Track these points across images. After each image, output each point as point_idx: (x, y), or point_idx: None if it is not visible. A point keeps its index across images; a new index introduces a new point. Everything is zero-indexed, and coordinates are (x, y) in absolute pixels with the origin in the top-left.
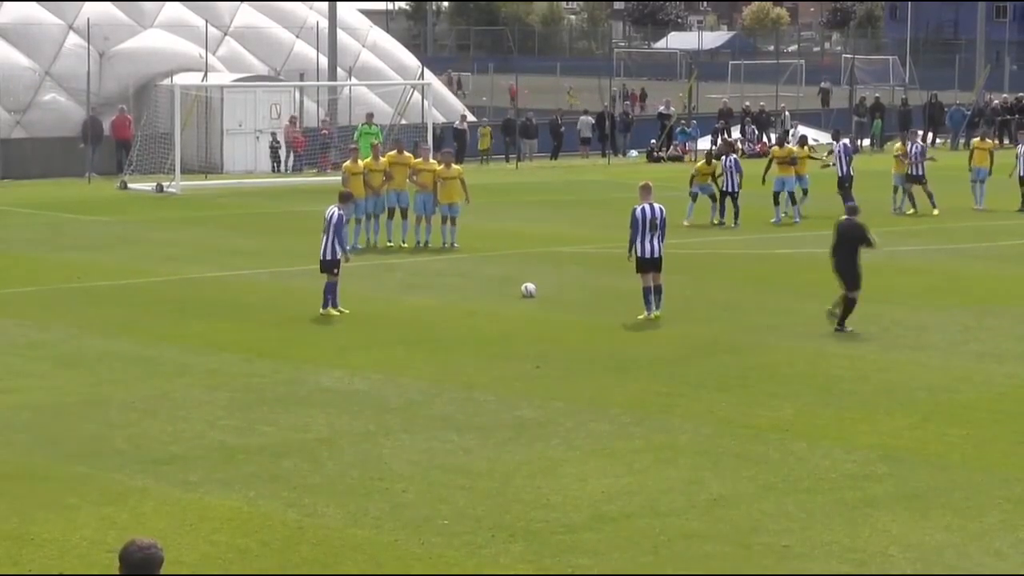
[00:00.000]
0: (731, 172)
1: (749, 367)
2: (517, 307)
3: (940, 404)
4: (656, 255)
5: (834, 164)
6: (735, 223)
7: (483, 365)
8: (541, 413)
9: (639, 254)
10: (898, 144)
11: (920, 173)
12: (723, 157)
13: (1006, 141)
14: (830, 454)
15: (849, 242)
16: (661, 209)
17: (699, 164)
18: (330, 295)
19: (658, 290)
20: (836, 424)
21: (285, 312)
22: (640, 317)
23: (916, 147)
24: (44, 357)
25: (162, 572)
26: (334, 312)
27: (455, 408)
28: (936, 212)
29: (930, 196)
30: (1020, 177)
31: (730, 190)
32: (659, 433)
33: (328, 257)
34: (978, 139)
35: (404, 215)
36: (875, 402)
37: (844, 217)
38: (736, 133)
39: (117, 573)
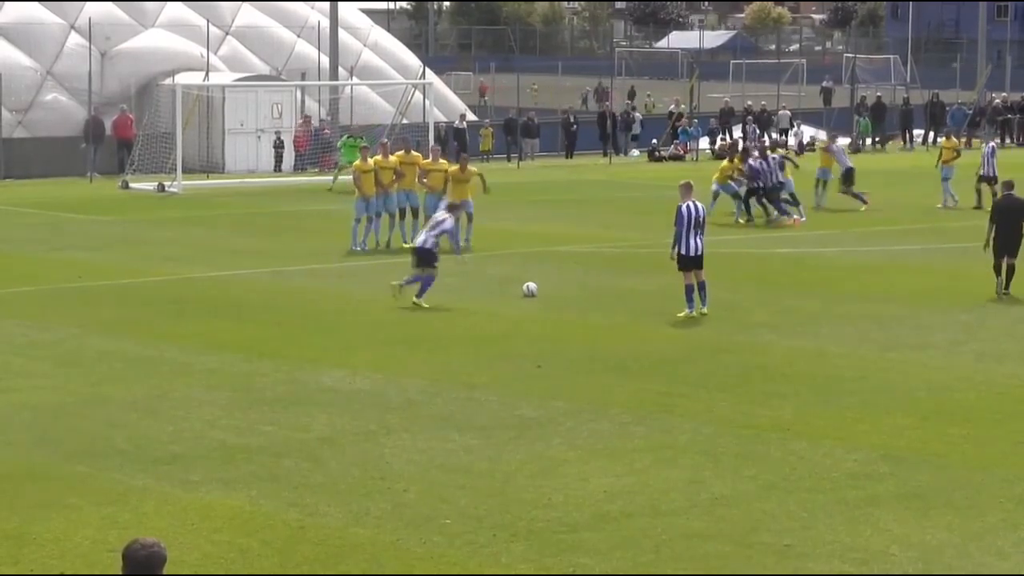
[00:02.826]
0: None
1: (749, 367)
2: (517, 307)
3: (941, 403)
4: (698, 252)
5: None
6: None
7: (484, 365)
8: (542, 413)
9: (682, 252)
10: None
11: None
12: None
13: (1007, 140)
14: (831, 453)
15: (1013, 215)
16: (702, 207)
17: (724, 163)
18: (424, 285)
19: (702, 286)
20: (837, 423)
21: (286, 312)
22: (681, 315)
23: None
24: (44, 357)
25: (164, 571)
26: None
27: (456, 408)
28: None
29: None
30: (982, 176)
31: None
32: (660, 433)
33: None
34: (944, 138)
35: (415, 215)
36: (876, 401)
37: (1003, 193)
38: (737, 132)
39: (119, 573)
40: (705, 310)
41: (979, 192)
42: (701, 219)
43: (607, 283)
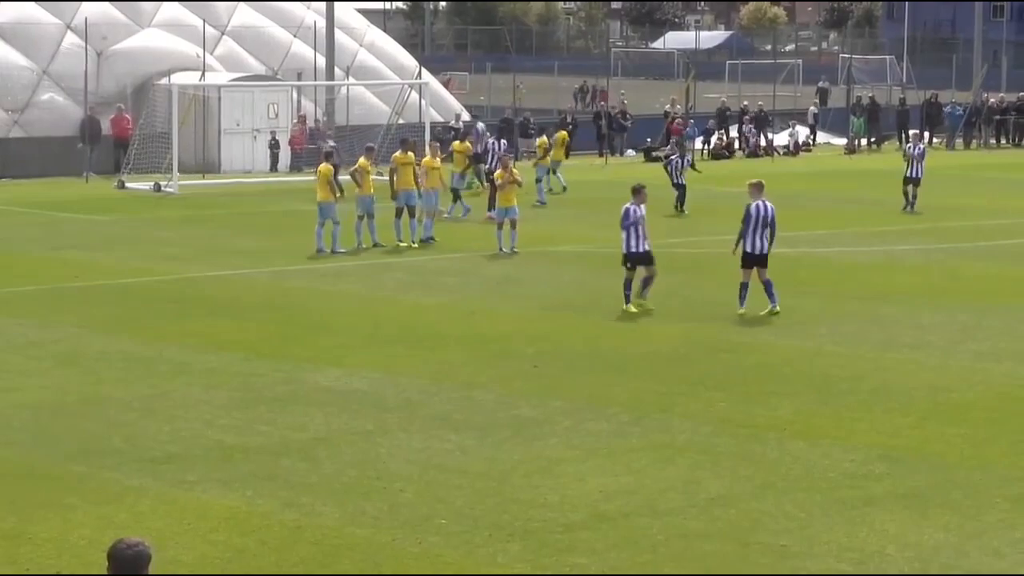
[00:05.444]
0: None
1: (747, 366)
2: (516, 307)
3: (938, 403)
4: (763, 251)
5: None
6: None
7: (481, 364)
8: (539, 412)
9: (746, 249)
10: (541, 139)
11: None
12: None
13: (1003, 141)
14: (828, 453)
15: None
16: (772, 208)
17: (541, 140)
18: (630, 291)
19: (768, 284)
20: (834, 423)
21: (283, 311)
22: (740, 312)
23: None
24: (43, 356)
25: (154, 571)
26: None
27: (453, 407)
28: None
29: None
30: (906, 177)
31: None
32: (657, 432)
33: (634, 250)
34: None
35: (412, 214)
36: (873, 401)
37: None
38: (734, 132)
39: (108, 574)
40: (777, 308)
41: (907, 194)
42: (769, 219)
43: (606, 283)
